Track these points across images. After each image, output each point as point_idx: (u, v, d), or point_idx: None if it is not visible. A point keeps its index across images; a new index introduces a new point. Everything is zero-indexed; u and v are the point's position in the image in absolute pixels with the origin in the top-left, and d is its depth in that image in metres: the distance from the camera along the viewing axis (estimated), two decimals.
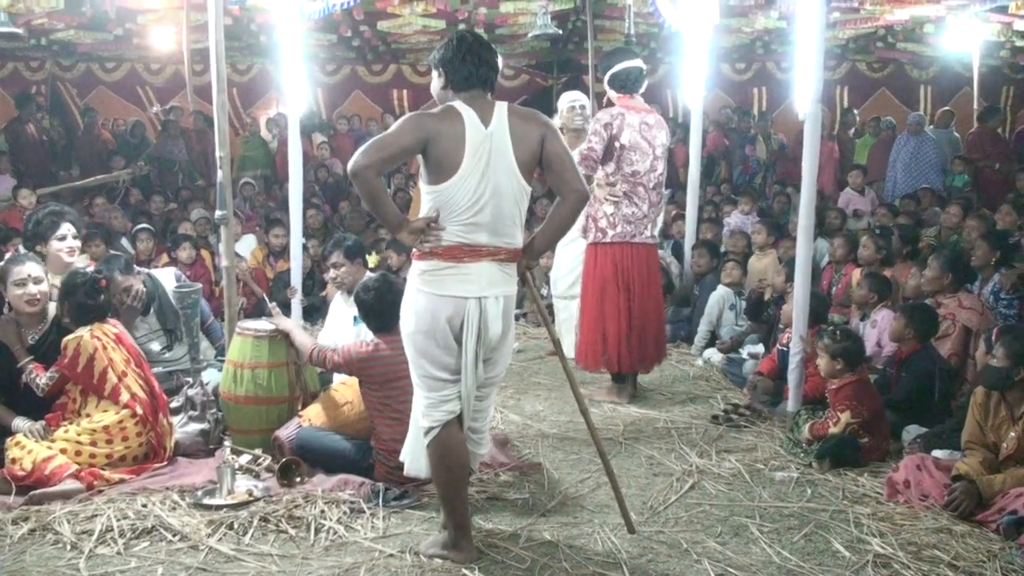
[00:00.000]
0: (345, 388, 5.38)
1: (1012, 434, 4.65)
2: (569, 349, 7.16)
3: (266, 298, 5.92)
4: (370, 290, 4.96)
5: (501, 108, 3.98)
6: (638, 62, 6.51)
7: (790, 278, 6.92)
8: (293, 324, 5.57)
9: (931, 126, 14.18)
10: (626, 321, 6.45)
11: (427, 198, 3.97)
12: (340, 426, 5.18)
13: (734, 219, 10.75)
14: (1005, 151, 12.86)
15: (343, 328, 5.94)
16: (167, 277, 6.40)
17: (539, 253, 4.21)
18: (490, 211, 3.90)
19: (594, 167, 6.35)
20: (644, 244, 6.53)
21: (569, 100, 7.66)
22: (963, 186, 12.17)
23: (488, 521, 4.55)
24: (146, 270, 6.42)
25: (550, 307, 7.91)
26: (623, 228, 6.41)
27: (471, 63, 3.98)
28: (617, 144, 6.31)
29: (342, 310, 6.12)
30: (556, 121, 7.42)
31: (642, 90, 6.55)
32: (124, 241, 9.94)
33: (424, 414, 4.08)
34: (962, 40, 13.88)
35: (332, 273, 6.15)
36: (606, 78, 6.50)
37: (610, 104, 6.56)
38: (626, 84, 6.47)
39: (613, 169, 6.36)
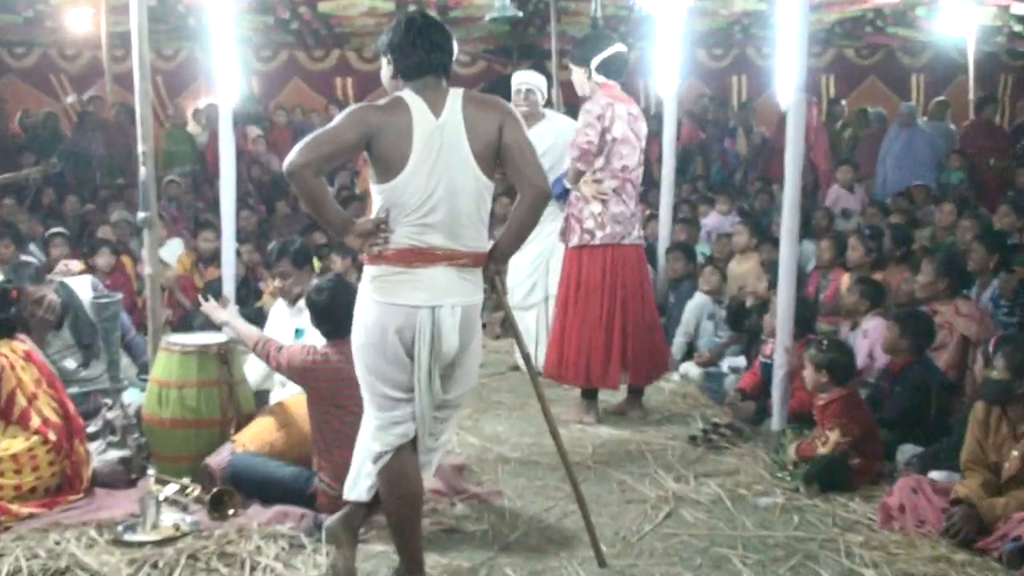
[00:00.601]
0: (283, 409, 5.34)
1: (1015, 453, 4.69)
2: (539, 362, 7.16)
3: (196, 307, 5.86)
4: (323, 291, 4.93)
5: (455, 96, 3.96)
6: (622, 47, 6.52)
7: (773, 284, 6.96)
8: (231, 314, 5.49)
9: (924, 117, 14.34)
10: (617, 330, 6.46)
11: (377, 198, 3.96)
12: (278, 452, 5.14)
13: (712, 220, 10.80)
14: (1002, 145, 13.03)
15: (283, 340, 5.89)
16: (83, 287, 6.33)
17: (505, 258, 4.21)
18: (444, 210, 3.88)
19: (592, 162, 6.34)
20: (633, 245, 6.56)
21: (516, 83, 7.61)
22: (959, 183, 12.30)
23: (444, 555, 4.52)
24: (59, 278, 6.34)
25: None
26: (612, 228, 6.41)
27: (421, 48, 3.96)
28: (609, 137, 6.31)
29: (284, 321, 6.06)
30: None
31: (624, 78, 6.57)
32: (34, 247, 9.81)
33: (374, 436, 4.05)
34: (957, 25, 14.07)
35: (279, 283, 6.11)
36: (593, 64, 6.43)
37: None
38: (616, 71, 6.47)
39: (602, 164, 6.36)
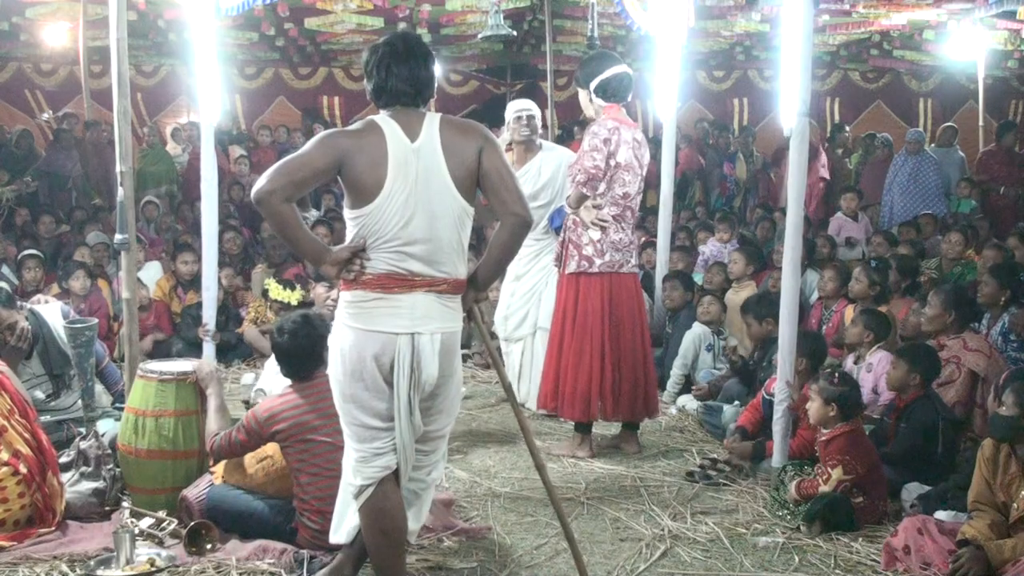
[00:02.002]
0: None
1: (1023, 493, 4.71)
2: (521, 395, 7.18)
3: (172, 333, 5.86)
4: (285, 333, 4.98)
5: (432, 120, 4.01)
6: (626, 68, 6.56)
7: (773, 315, 6.99)
8: (218, 388, 5.39)
9: (932, 144, 14.42)
10: (611, 361, 6.48)
11: (351, 224, 3.99)
12: (258, 484, 5.14)
13: (710, 247, 10.84)
14: (1017, 174, 13.07)
15: None
16: (52, 314, 6.28)
17: (485, 285, 4.24)
18: (423, 235, 3.93)
19: (597, 187, 6.38)
20: (631, 274, 6.62)
21: (515, 109, 7.64)
22: (970, 212, 12.37)
23: None
24: (28, 305, 6.31)
25: (499, 348, 7.91)
26: (611, 256, 6.46)
27: (396, 78, 4.01)
28: (612, 162, 6.35)
29: None
30: (505, 135, 7.47)
31: (628, 100, 6.62)
32: (7, 269, 9.80)
33: (355, 470, 4.06)
34: (966, 48, 14.19)
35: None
36: (592, 85, 6.48)
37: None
38: (616, 93, 6.51)
39: (603, 190, 6.40)
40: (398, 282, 3.92)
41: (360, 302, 3.95)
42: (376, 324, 3.93)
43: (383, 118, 3.99)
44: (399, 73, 4.00)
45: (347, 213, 4.00)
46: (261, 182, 3.83)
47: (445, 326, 4.02)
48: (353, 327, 3.96)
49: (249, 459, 5.23)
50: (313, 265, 4.13)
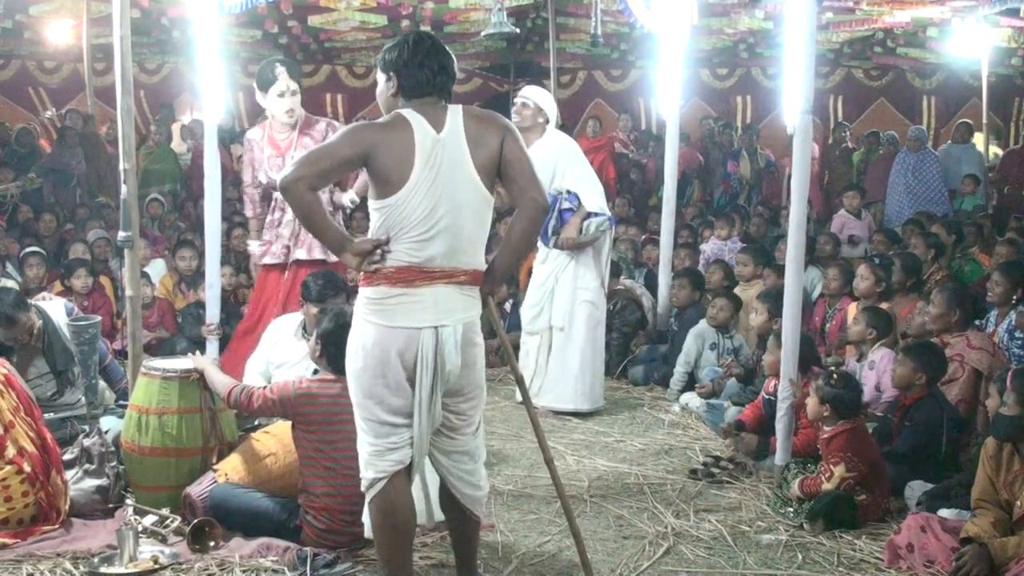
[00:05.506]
0: (268, 438, 5.34)
1: None
2: (533, 391, 7.17)
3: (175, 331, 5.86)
4: (345, 325, 4.91)
5: (455, 111, 4.06)
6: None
7: (776, 312, 6.96)
8: (208, 361, 5.52)
9: (948, 141, 14.41)
10: None
11: (375, 215, 4.02)
12: (262, 482, 5.15)
13: (710, 246, 10.75)
14: None
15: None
16: (56, 311, 6.28)
17: (501, 276, 4.28)
18: (446, 226, 3.96)
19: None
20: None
21: (519, 96, 7.65)
22: (973, 210, 12.34)
23: None
24: (32, 303, 6.31)
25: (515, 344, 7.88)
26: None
27: (428, 69, 4.07)
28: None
29: (298, 350, 6.04)
30: None
31: None
32: (10, 267, 9.80)
33: (368, 463, 4.08)
34: (969, 46, 14.16)
35: None
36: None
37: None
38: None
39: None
40: (418, 275, 3.95)
41: (382, 299, 3.98)
42: (399, 320, 3.95)
43: (409, 112, 4.02)
44: (431, 65, 4.06)
45: (372, 203, 4.04)
46: (288, 171, 3.89)
47: (466, 316, 4.07)
48: (376, 323, 3.98)
49: (253, 457, 5.24)
50: (335, 255, 4.17)
